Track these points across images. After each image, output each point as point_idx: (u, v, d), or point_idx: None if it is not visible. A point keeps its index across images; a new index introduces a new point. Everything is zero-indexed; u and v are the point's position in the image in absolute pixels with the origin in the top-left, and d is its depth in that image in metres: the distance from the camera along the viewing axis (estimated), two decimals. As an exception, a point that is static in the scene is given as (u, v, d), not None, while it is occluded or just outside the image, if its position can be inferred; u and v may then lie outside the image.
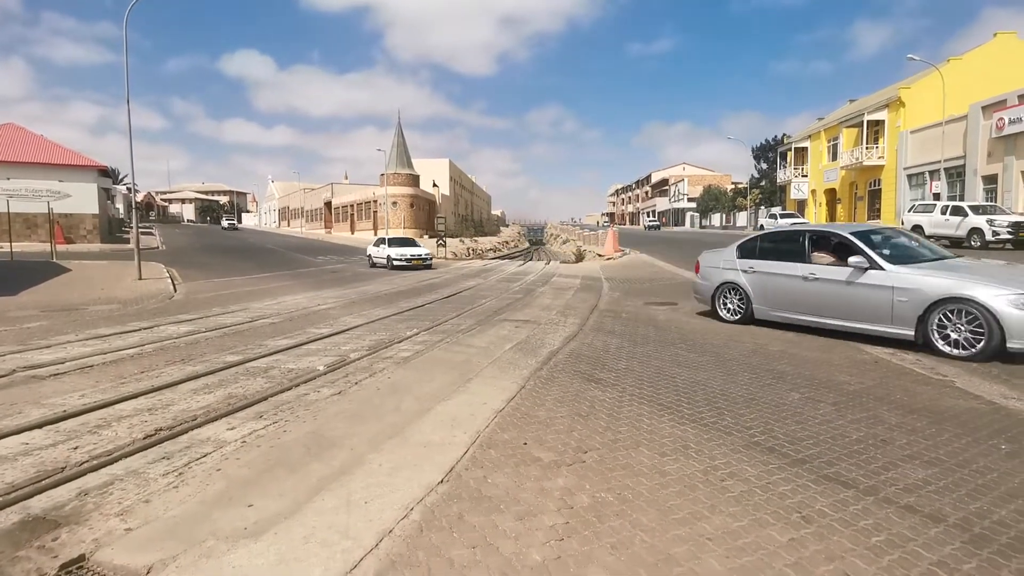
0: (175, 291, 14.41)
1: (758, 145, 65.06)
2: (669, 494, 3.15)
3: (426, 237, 47.69)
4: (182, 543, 2.68)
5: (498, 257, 39.54)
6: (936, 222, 23.68)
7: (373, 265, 24.54)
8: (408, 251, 23.65)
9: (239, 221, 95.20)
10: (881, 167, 36.75)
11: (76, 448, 3.90)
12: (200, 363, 6.44)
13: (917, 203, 27.38)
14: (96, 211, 33.81)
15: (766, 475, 3.37)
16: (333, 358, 6.66)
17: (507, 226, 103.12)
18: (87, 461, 3.66)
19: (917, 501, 3.04)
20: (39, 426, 4.33)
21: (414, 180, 51.64)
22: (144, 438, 4.05)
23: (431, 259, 24.88)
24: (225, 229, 69.62)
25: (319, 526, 2.80)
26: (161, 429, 4.24)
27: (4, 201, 22.49)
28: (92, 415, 4.60)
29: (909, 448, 3.76)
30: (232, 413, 4.61)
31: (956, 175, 30.64)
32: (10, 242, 22.45)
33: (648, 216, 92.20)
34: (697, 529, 2.79)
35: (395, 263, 22.90)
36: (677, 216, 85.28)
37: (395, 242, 25.19)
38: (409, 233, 48.68)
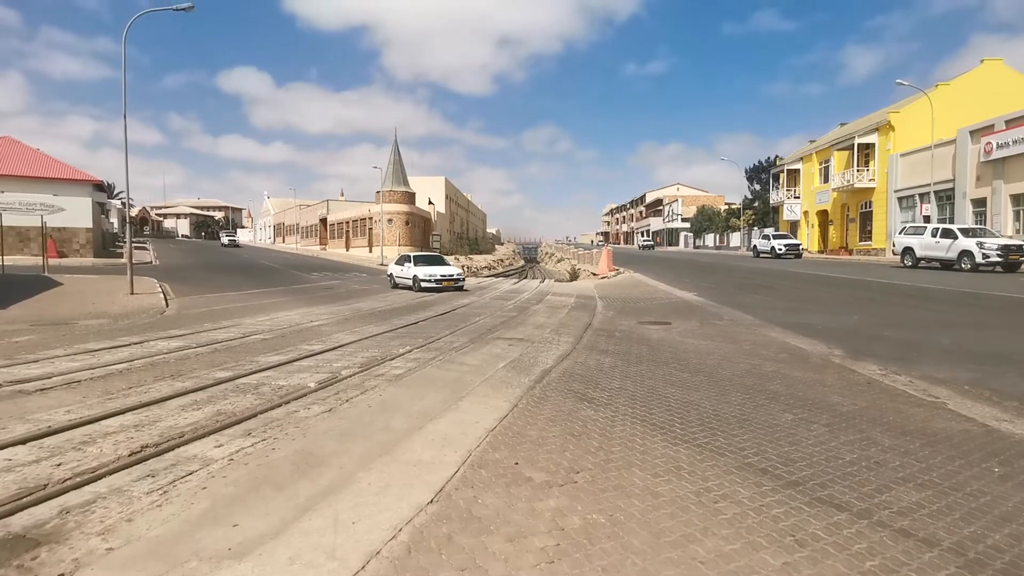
0: (167, 306, 14.31)
1: (751, 166, 65.85)
2: (661, 516, 3.11)
3: (421, 254, 47.73)
4: (164, 564, 2.62)
5: (493, 275, 39.56)
6: (927, 244, 23.94)
7: (395, 286, 21.50)
8: (438, 271, 20.33)
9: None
10: (872, 189, 37.20)
11: (59, 465, 3.83)
12: (189, 379, 6.37)
13: (908, 225, 27.71)
14: (90, 225, 33.69)
15: (759, 497, 3.35)
16: (324, 375, 6.60)
17: (502, 244, 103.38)
18: (70, 478, 3.60)
19: (911, 525, 3.02)
20: (23, 442, 4.26)
21: (410, 197, 51.82)
22: (129, 455, 3.99)
23: (464, 279, 21.34)
24: (225, 246, 63.12)
25: (305, 547, 2.75)
26: (147, 446, 4.17)
27: (-3, 214, 22.41)
28: (77, 431, 4.53)
29: (903, 470, 3.74)
30: (220, 430, 4.54)
31: (946, 198, 31.03)
32: (1, 255, 22.29)
33: (642, 236, 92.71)
34: (689, 552, 2.75)
35: (423, 284, 19.68)
36: (671, 236, 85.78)
37: (422, 260, 21.58)
38: (404, 251, 48.81)
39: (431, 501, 3.26)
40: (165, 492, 3.39)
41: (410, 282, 20.45)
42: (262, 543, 2.79)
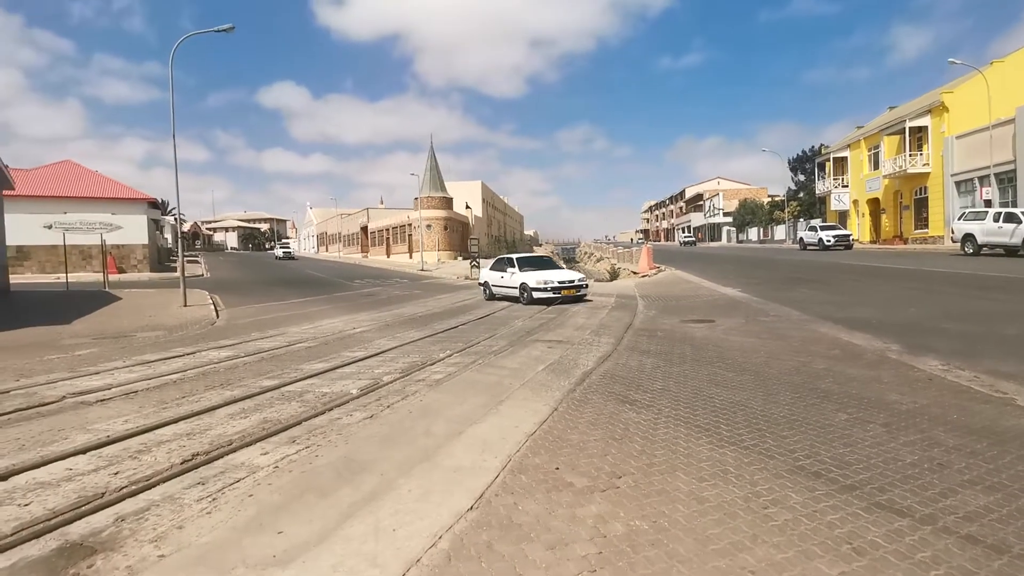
0: (217, 317, 14.83)
1: (794, 157, 63.85)
2: (708, 522, 3.01)
3: (460, 259, 48.12)
4: (212, 570, 2.68)
5: (532, 277, 39.49)
6: (989, 230, 22.67)
7: (492, 297, 17.40)
8: (554, 276, 15.69)
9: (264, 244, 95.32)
10: (927, 175, 35.45)
11: (116, 473, 3.99)
12: (238, 387, 6.56)
13: (967, 211, 26.28)
14: (146, 241, 35.29)
15: (812, 502, 3.20)
16: (366, 381, 6.69)
17: (540, 245, 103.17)
18: (126, 486, 3.73)
19: (979, 530, 2.83)
20: (83, 451, 4.45)
21: (447, 203, 52.34)
22: (181, 463, 4.12)
23: (587, 285, 16.28)
24: (280, 259, 55.36)
25: (347, 554, 2.77)
26: (198, 454, 4.30)
27: (60, 234, 23.70)
28: (134, 440, 4.71)
29: (968, 472, 3.52)
30: (266, 438, 4.65)
31: (1007, 180, 29.30)
32: (66, 273, 23.55)
33: (683, 232, 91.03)
34: (738, 561, 2.64)
35: (536, 295, 15.20)
36: (713, 231, 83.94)
37: (528, 263, 16.90)
38: (443, 255, 49.23)
39: (471, 508, 3.24)
40: (214, 499, 3.48)
41: (515, 292, 16.10)
42: (306, 550, 2.83)
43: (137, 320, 13.95)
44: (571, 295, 15.28)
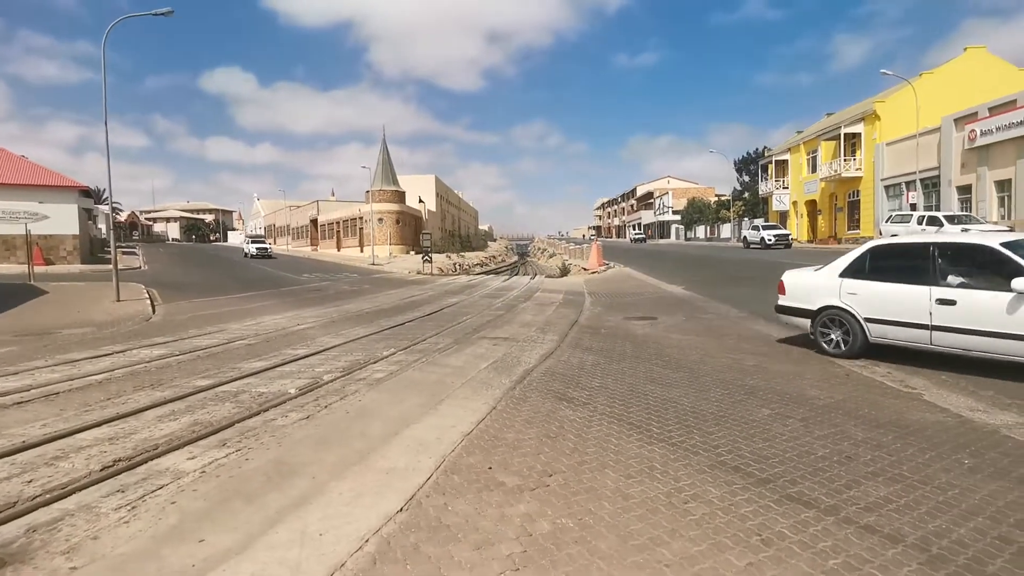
0: (153, 312, 14.19)
1: (740, 158, 66.12)
2: (630, 518, 3.12)
3: (412, 253, 47.56)
4: (127, 582, 2.60)
5: (485, 272, 39.50)
6: (913, 232, 24.10)
7: (863, 352, 6.82)
8: None
9: (223, 239, 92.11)
10: (859, 179, 37.37)
11: (30, 481, 3.80)
12: (169, 388, 6.33)
13: (894, 213, 27.87)
14: (76, 232, 33.32)
15: (729, 496, 3.36)
16: (306, 381, 6.57)
17: (495, 240, 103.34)
18: (40, 495, 3.56)
19: (877, 520, 3.04)
20: (-6, 459, 4.22)
21: (400, 196, 51.60)
22: (101, 470, 3.96)
23: None
24: (253, 257, 43.13)
25: (269, 562, 2.73)
26: (120, 460, 4.14)
27: (-20, 223, 22.18)
28: (51, 446, 4.48)
29: (873, 464, 3.77)
30: (195, 441, 4.51)
31: (932, 186, 31.20)
32: (-14, 264, 22.07)
33: (634, 229, 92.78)
34: (656, 555, 2.76)
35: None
36: (662, 229, 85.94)
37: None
38: (395, 250, 48.49)
39: (400, 509, 3.25)
40: (134, 508, 3.36)
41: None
42: (226, 559, 2.78)
43: (64, 315, 13.21)
44: None
